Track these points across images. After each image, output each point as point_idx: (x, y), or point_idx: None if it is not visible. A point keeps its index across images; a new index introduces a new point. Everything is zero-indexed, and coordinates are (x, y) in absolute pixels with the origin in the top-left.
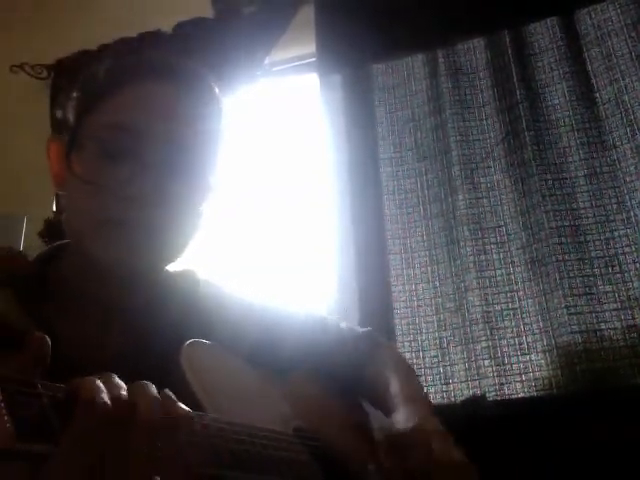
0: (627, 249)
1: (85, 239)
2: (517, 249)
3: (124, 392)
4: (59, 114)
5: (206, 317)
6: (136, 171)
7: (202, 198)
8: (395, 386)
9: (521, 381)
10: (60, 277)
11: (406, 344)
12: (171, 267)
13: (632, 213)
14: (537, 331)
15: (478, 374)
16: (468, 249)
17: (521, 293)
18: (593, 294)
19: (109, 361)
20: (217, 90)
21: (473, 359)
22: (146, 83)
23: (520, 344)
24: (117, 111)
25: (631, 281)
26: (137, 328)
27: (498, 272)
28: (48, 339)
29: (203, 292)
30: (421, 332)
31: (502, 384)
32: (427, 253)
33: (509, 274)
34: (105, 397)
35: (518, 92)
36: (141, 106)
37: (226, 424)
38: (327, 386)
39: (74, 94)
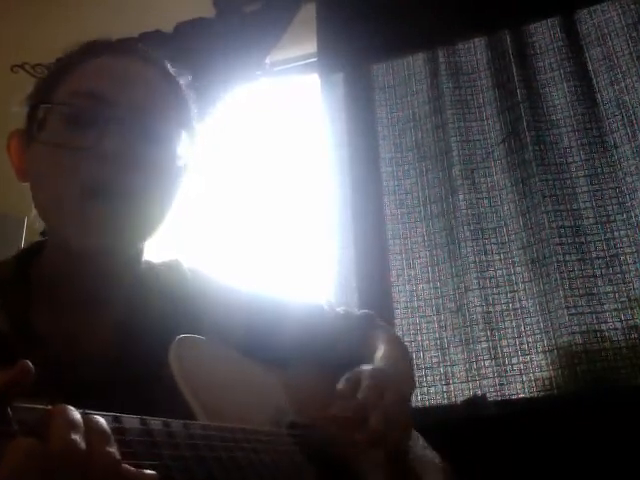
0: (628, 249)
1: (62, 213)
2: (518, 249)
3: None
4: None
5: (195, 306)
6: (104, 133)
7: (175, 168)
8: (380, 350)
9: (521, 381)
10: (41, 274)
11: (406, 344)
12: (157, 257)
13: (633, 213)
14: (537, 331)
15: (478, 374)
16: (469, 249)
17: (522, 293)
18: (594, 294)
19: (97, 359)
20: (176, 73)
21: (474, 359)
22: (108, 57)
23: (520, 344)
24: (80, 80)
25: (632, 281)
26: (125, 323)
27: (498, 272)
28: (33, 369)
29: (190, 281)
30: (421, 332)
31: (502, 384)
32: (427, 253)
33: (509, 274)
34: (80, 442)
35: (519, 92)
36: (104, 75)
37: (214, 430)
38: (323, 376)
39: (35, 83)
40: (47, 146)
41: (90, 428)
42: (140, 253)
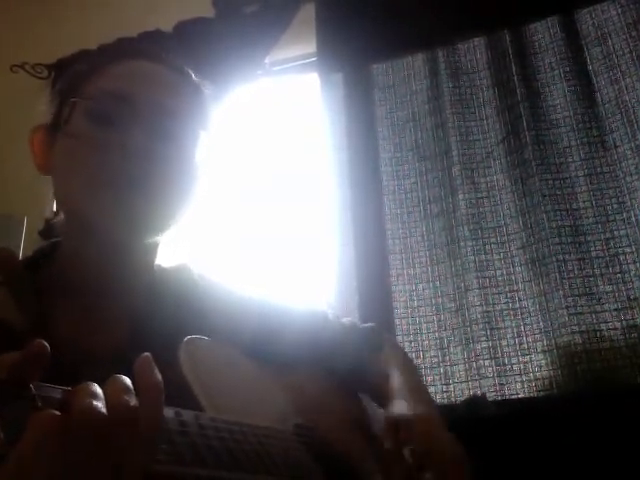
0: (627, 249)
1: (83, 202)
2: (517, 249)
3: (127, 398)
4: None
5: (203, 310)
6: (128, 131)
7: (193, 168)
8: (398, 381)
9: (521, 381)
10: (55, 276)
11: (406, 344)
12: (166, 262)
13: (632, 213)
14: (537, 331)
15: (478, 374)
16: (468, 249)
17: (521, 293)
18: (593, 294)
19: (106, 357)
20: (198, 81)
21: (473, 359)
22: (136, 60)
23: (520, 344)
24: (108, 80)
25: (631, 281)
26: (134, 323)
27: (498, 272)
28: (48, 346)
29: (199, 286)
30: (421, 332)
31: (502, 384)
32: (427, 253)
33: (509, 274)
34: (100, 408)
35: (518, 92)
36: (131, 77)
37: (223, 423)
38: (327, 381)
39: (65, 77)
40: (73, 139)
41: (112, 389)
42: (154, 251)
